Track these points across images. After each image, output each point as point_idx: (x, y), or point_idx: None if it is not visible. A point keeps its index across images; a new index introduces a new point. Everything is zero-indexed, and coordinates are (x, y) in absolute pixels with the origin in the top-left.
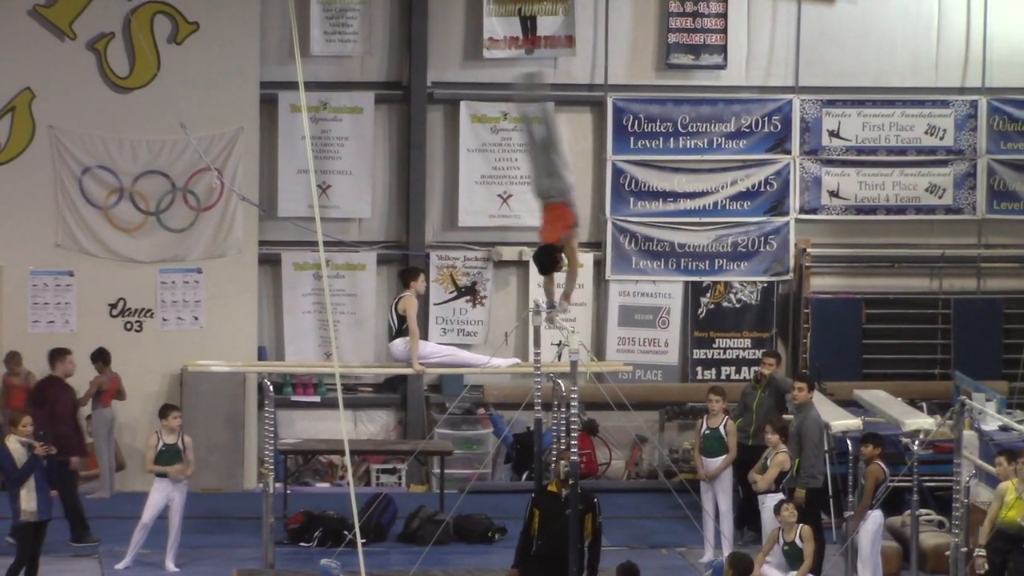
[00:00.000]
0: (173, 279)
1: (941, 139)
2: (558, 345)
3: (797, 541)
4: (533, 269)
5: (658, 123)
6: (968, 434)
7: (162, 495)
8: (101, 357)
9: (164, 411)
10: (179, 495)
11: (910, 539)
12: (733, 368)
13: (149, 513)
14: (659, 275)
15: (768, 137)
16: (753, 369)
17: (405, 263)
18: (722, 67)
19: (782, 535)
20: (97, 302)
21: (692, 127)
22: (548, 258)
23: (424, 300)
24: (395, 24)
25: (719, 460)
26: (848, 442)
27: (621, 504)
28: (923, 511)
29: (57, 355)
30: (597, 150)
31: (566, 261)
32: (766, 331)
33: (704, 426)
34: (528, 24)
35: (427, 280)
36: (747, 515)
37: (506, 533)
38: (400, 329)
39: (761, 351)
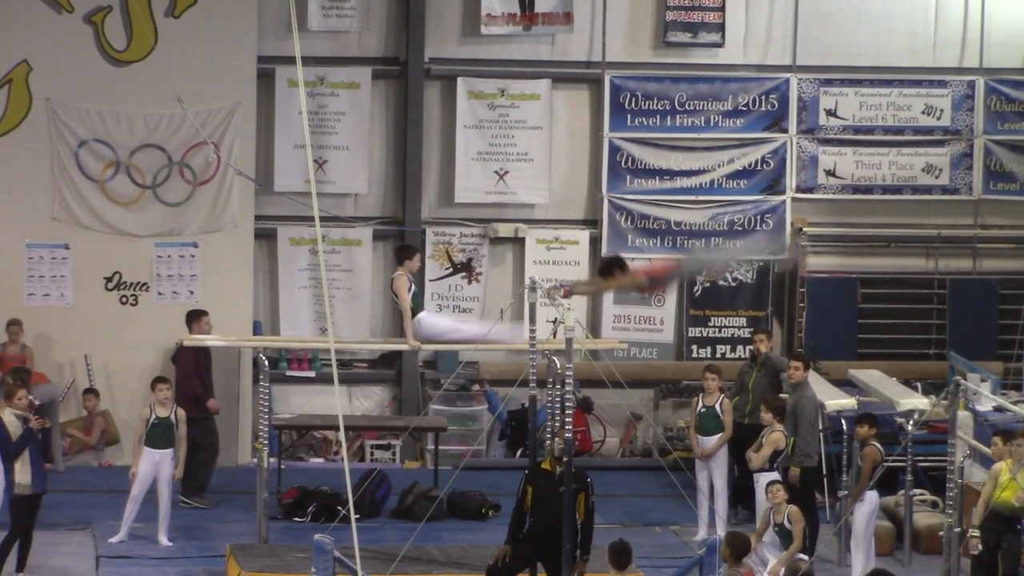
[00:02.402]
0: (169, 253)
1: (938, 119)
2: (553, 322)
3: (785, 523)
4: (529, 246)
5: (655, 101)
6: (963, 414)
7: (150, 466)
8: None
9: (153, 384)
10: (167, 467)
11: (904, 519)
12: (728, 347)
13: (138, 485)
14: (655, 253)
15: (765, 116)
16: (748, 348)
17: (401, 239)
18: (720, 45)
19: (772, 516)
20: (93, 275)
21: (689, 105)
22: (607, 263)
23: (420, 276)
24: (393, 0)
25: (715, 439)
26: (843, 421)
27: (615, 482)
28: (917, 491)
29: (193, 317)
30: (594, 127)
31: (616, 280)
32: (762, 310)
33: (700, 404)
34: (526, 0)
35: (423, 258)
36: (741, 494)
37: (500, 510)
38: (410, 307)
39: (752, 330)
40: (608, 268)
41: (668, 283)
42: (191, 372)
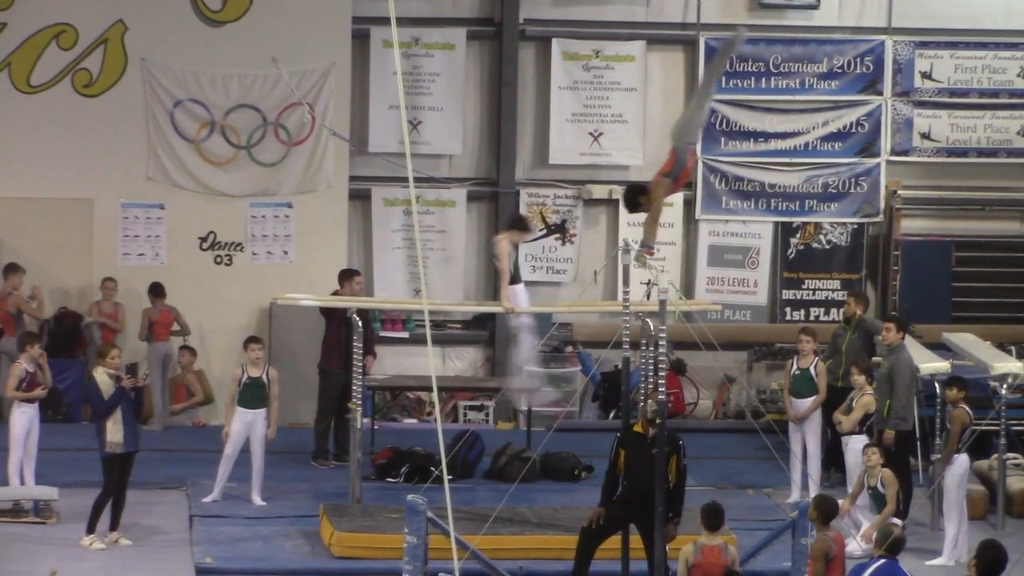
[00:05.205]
0: (263, 213)
1: None
2: (647, 284)
3: (879, 487)
4: (623, 208)
5: (750, 63)
6: None
7: (243, 426)
8: (152, 290)
9: (246, 343)
10: (260, 427)
11: (997, 483)
12: (822, 309)
13: (231, 445)
14: (749, 215)
15: (860, 78)
16: (841, 310)
17: (495, 200)
18: (815, 7)
19: (866, 479)
20: (187, 235)
21: (784, 67)
22: (628, 194)
23: None
24: None
25: (808, 401)
26: (936, 385)
27: (708, 444)
28: (1010, 455)
29: (344, 276)
30: (688, 89)
31: (652, 202)
32: (855, 273)
33: (794, 367)
34: None
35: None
36: (834, 457)
37: (592, 471)
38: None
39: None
40: (634, 200)
41: (683, 165)
42: (331, 336)
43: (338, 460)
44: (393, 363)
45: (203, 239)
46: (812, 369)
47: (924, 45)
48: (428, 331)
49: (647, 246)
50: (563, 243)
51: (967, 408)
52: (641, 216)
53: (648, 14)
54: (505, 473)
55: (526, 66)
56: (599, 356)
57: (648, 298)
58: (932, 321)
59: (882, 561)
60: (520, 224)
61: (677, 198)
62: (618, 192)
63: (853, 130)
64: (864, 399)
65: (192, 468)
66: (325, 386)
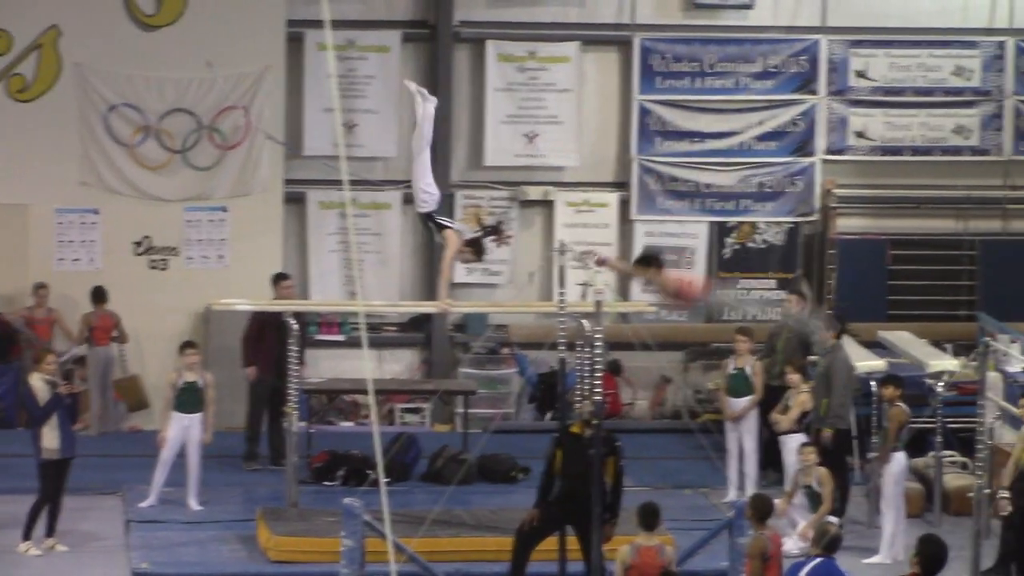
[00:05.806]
0: (198, 217)
1: (968, 80)
2: (583, 285)
3: (815, 485)
4: (558, 208)
5: (685, 63)
6: (992, 375)
7: (179, 431)
8: (94, 295)
9: (182, 348)
10: (196, 432)
11: (934, 481)
12: (758, 309)
13: (167, 450)
14: (684, 215)
15: (795, 78)
16: (777, 310)
17: None
18: (749, 7)
19: (801, 478)
20: (122, 240)
21: (719, 67)
22: (652, 257)
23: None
24: None
25: (744, 401)
26: (872, 383)
27: (645, 444)
28: (947, 453)
29: (274, 280)
30: (624, 90)
31: (647, 275)
32: (791, 272)
33: (731, 366)
34: None
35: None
36: (771, 456)
37: (529, 473)
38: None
39: (785, 291)
40: (646, 261)
41: (692, 305)
42: (250, 335)
43: (274, 464)
44: (329, 366)
45: (138, 244)
46: (748, 369)
47: (858, 44)
48: (364, 334)
49: (600, 257)
50: (498, 244)
51: (904, 406)
52: (579, 217)
53: (582, 15)
54: (442, 475)
55: (461, 68)
56: (535, 357)
57: (584, 299)
58: (868, 319)
59: (819, 560)
60: (478, 248)
61: (612, 198)
62: (553, 193)
63: (788, 129)
64: (801, 397)
65: (128, 473)
66: (254, 390)
